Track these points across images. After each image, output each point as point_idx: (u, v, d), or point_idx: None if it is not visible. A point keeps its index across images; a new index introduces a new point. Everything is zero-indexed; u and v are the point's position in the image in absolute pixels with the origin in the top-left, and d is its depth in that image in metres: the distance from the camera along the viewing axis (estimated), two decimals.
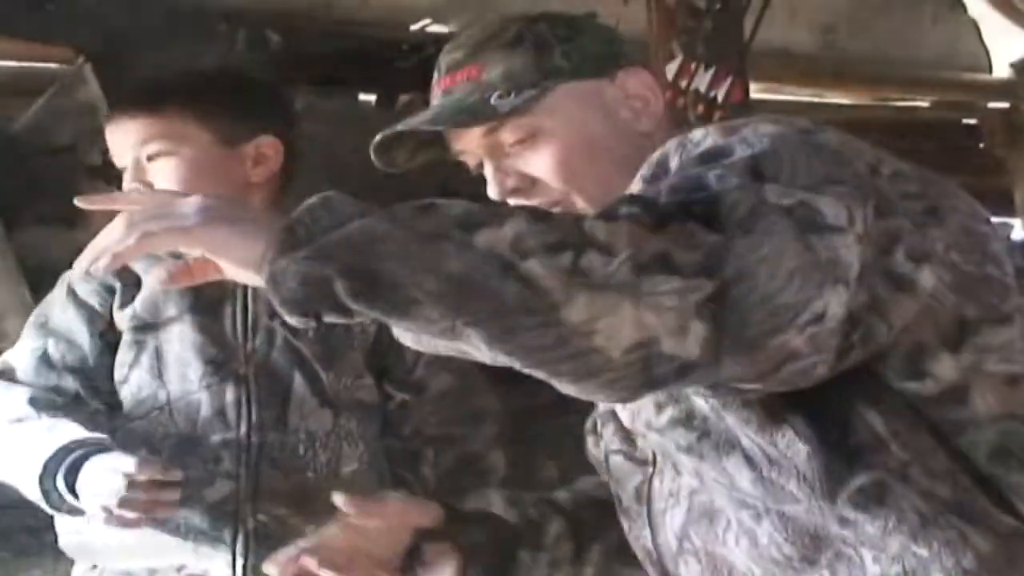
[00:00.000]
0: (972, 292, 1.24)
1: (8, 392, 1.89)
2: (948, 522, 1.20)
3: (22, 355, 1.94)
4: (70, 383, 1.90)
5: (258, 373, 1.89)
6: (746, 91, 3.98)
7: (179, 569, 1.86)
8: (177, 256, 1.20)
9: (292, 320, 1.08)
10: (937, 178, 1.33)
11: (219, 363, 1.88)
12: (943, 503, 1.20)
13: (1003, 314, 1.25)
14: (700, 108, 3.79)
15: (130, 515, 1.71)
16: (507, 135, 1.48)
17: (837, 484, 1.21)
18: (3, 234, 3.39)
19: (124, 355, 1.90)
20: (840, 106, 5.58)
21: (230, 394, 1.87)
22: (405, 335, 1.10)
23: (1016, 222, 5.92)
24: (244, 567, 1.86)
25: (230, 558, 1.85)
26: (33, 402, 1.86)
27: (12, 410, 1.86)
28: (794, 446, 1.21)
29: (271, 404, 1.88)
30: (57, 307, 1.95)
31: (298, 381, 1.91)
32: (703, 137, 1.27)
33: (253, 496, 1.86)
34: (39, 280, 3.34)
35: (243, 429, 1.87)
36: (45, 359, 1.92)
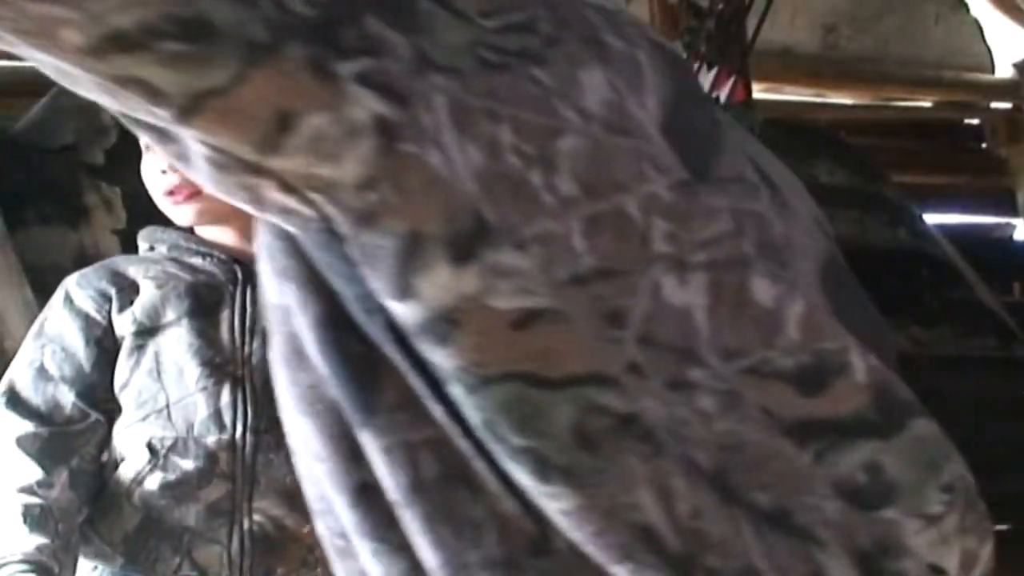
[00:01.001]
0: (494, 187, 0.89)
1: (14, 457, 1.92)
2: None
3: (21, 369, 1.96)
4: (66, 395, 1.91)
5: (254, 375, 1.90)
6: (748, 91, 3.99)
7: (176, 570, 1.88)
8: None
9: None
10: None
11: (215, 366, 1.90)
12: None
13: (520, 237, 0.88)
14: None
15: None
16: None
17: None
18: (5, 233, 3.40)
19: (125, 360, 1.91)
20: (842, 106, 5.59)
21: (226, 396, 1.89)
22: None
23: (1018, 222, 5.93)
24: (240, 567, 1.87)
25: (226, 558, 1.87)
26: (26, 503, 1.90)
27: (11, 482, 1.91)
28: None
29: (267, 405, 1.89)
30: (53, 314, 1.97)
31: None
32: None
33: (250, 496, 1.88)
34: (41, 279, 3.34)
35: (239, 430, 1.89)
36: (42, 371, 1.93)
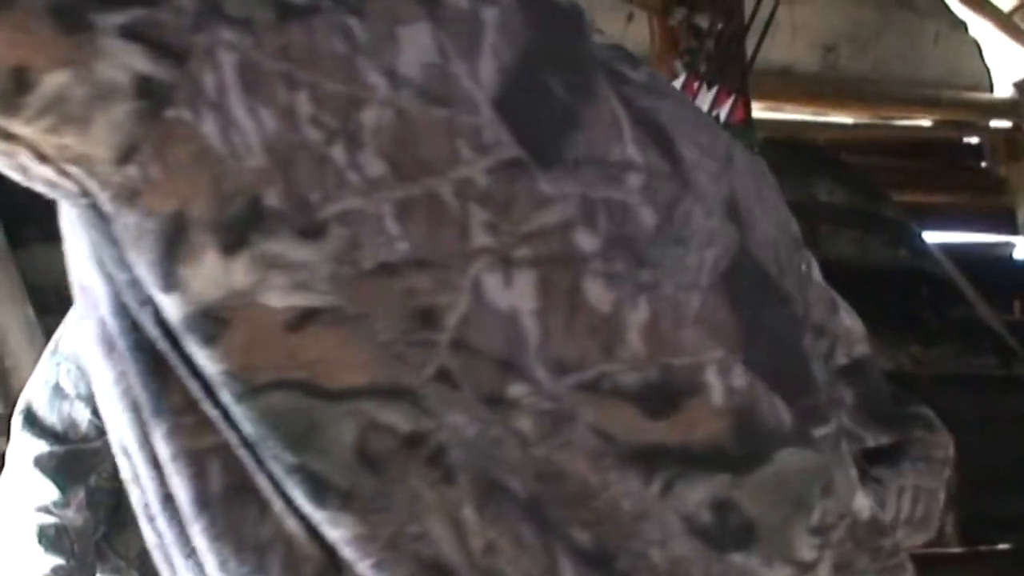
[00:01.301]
0: (288, 162, 0.77)
1: (30, 476, 1.93)
2: None
3: (38, 387, 1.97)
4: (82, 412, 1.92)
5: None
6: (748, 110, 3.99)
7: None
8: None
9: None
10: None
11: None
12: None
13: (314, 221, 0.77)
14: None
15: None
16: None
17: None
18: (7, 251, 3.40)
19: None
20: (842, 125, 5.60)
21: None
22: None
23: (1018, 240, 5.93)
24: None
25: None
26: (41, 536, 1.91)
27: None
28: None
29: None
30: (67, 331, 1.97)
31: None
32: None
33: None
34: (42, 298, 3.35)
35: None
36: (57, 390, 1.94)
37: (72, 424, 1.92)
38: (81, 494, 1.89)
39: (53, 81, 0.73)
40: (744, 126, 3.87)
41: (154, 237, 0.76)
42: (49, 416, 1.94)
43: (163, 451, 0.80)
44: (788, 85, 5.09)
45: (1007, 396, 4.94)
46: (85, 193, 0.77)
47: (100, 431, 1.90)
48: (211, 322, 0.77)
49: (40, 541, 1.86)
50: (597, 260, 0.84)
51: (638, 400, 0.84)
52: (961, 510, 3.90)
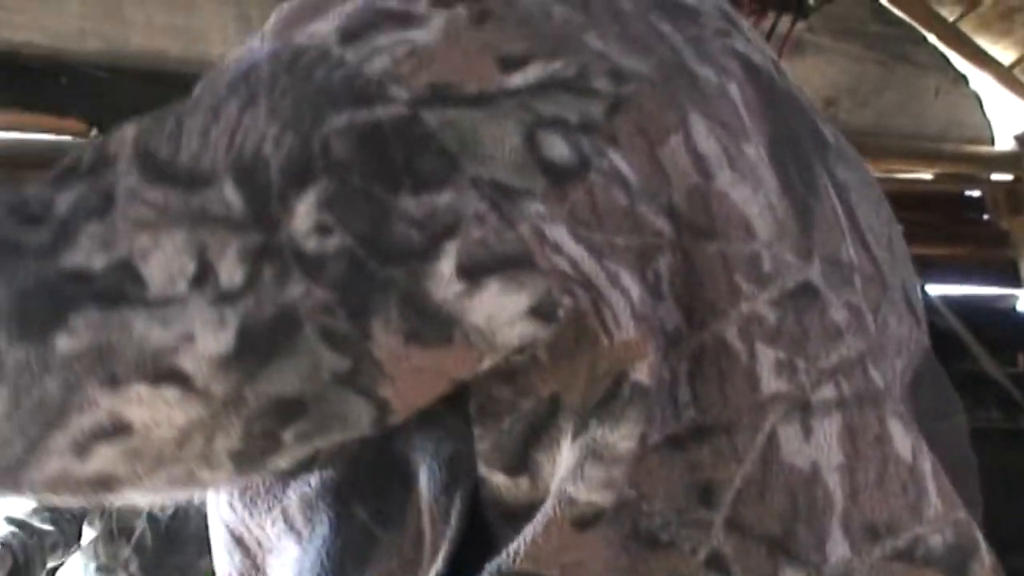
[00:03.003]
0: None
1: None
2: None
3: None
4: None
5: None
6: None
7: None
8: None
9: None
10: None
11: None
12: None
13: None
14: None
15: None
16: None
17: None
18: None
19: None
20: None
21: None
22: None
23: (1021, 293, 5.93)
24: None
25: None
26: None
27: None
28: None
29: None
30: None
31: None
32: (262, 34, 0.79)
33: None
34: None
35: None
36: None
37: None
38: None
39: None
40: None
41: (517, 417, 0.71)
42: None
43: None
44: None
45: (1012, 450, 4.93)
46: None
47: None
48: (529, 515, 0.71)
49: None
50: (888, 396, 0.74)
51: (944, 569, 0.73)
52: None
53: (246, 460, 0.69)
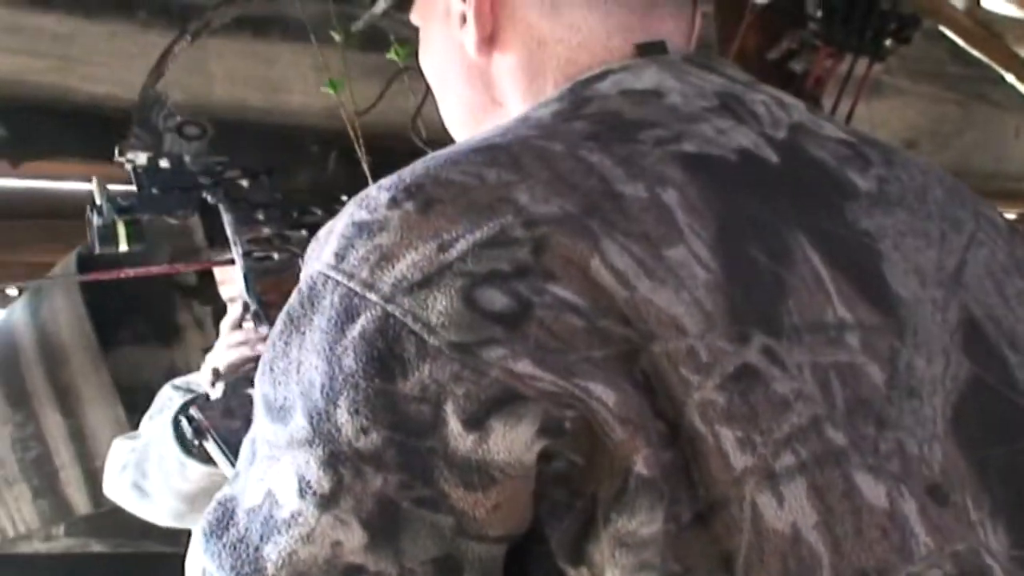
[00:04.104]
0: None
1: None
2: None
3: None
4: None
5: None
6: None
7: None
8: None
9: None
10: None
11: None
12: None
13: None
14: None
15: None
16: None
17: None
18: (99, 353, 3.46)
19: None
20: None
21: None
22: None
23: None
24: None
25: None
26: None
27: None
28: None
29: None
30: None
31: None
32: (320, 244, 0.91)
33: None
34: (132, 398, 3.40)
35: None
36: None
37: None
38: None
39: None
40: None
41: (573, 516, 0.82)
42: None
43: None
44: None
45: None
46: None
47: None
48: None
49: None
50: (854, 451, 0.81)
51: None
52: None
53: None
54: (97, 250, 1.89)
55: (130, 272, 1.96)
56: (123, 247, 1.92)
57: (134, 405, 3.35)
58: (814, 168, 0.95)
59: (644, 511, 0.78)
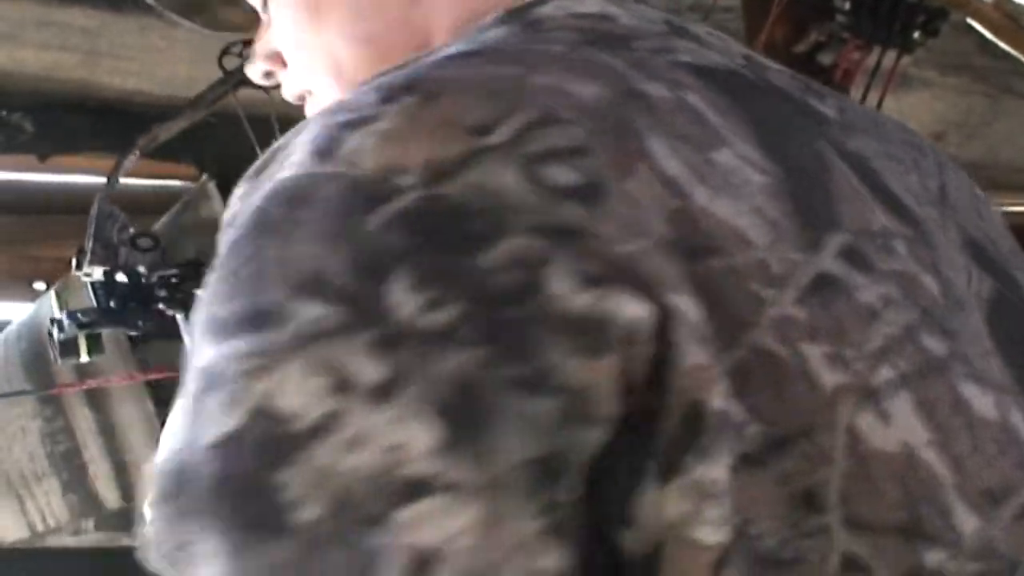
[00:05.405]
0: None
1: None
2: None
3: None
4: None
5: None
6: None
7: None
8: None
9: None
10: None
11: None
12: None
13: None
14: None
15: None
16: None
17: None
18: (127, 348, 3.47)
19: None
20: None
21: None
22: None
23: None
24: None
25: None
26: None
27: None
28: None
29: None
30: None
31: None
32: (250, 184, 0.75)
33: None
34: (162, 394, 3.41)
35: None
36: None
37: None
38: None
39: None
40: None
41: (622, 469, 0.67)
42: None
43: None
44: None
45: None
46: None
47: None
48: (648, 565, 0.67)
49: None
50: (954, 360, 0.72)
51: None
52: None
53: (564, 532, 0.65)
54: (59, 362, 1.99)
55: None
56: (84, 359, 2.01)
57: (163, 400, 3.36)
58: (782, 95, 0.86)
59: (723, 454, 0.66)
